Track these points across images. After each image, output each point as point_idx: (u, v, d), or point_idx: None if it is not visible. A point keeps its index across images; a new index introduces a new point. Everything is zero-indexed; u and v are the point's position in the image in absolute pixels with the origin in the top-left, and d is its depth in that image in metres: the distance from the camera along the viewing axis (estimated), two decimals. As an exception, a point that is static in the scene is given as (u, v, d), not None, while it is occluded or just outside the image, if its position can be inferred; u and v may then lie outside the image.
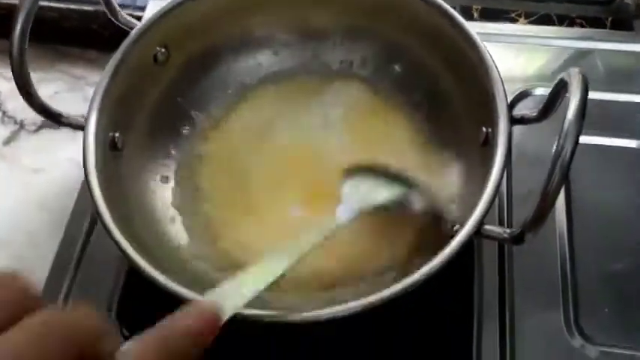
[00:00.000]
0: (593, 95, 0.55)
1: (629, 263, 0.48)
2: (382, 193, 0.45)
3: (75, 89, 0.70)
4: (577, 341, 0.45)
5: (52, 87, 0.70)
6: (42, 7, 0.72)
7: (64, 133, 0.64)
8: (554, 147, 0.34)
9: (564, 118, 0.34)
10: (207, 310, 0.28)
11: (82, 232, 0.51)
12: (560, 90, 0.37)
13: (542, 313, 0.47)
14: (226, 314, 0.29)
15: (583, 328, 0.45)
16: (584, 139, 0.53)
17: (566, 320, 0.46)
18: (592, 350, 0.44)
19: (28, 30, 0.40)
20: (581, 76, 0.34)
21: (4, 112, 0.68)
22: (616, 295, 0.47)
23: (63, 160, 0.63)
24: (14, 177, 0.63)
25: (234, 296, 0.32)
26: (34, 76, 0.70)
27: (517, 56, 0.62)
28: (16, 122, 0.67)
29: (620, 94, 0.58)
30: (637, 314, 0.46)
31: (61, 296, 0.48)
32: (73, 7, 0.74)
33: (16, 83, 0.41)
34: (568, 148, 0.33)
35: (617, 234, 0.50)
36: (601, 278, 0.48)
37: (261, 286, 0.34)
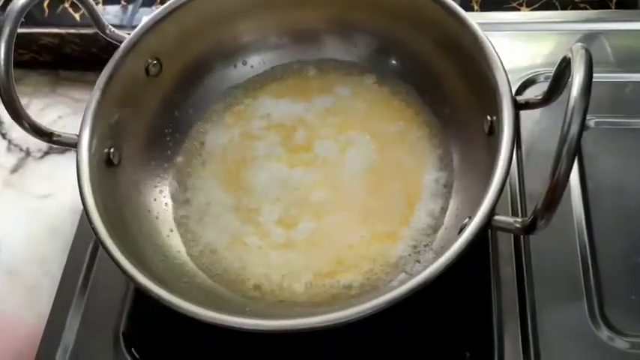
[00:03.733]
0: (604, 77, 0.56)
1: (654, 247, 0.46)
2: None
3: (77, 113, 0.70)
4: (604, 333, 0.43)
5: (54, 112, 0.70)
6: (42, 34, 0.74)
7: (70, 157, 0.64)
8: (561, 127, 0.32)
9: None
10: None
11: (86, 253, 0.51)
12: (564, 69, 0.36)
13: (565, 305, 0.45)
14: None
15: (609, 319, 0.43)
16: (597, 121, 0.52)
17: (591, 311, 0.44)
18: (621, 342, 0.42)
19: (12, 48, 0.40)
20: (584, 50, 0.33)
21: (9, 141, 0.68)
22: (641, 282, 0.45)
23: (70, 185, 0.61)
24: (23, 204, 0.63)
25: None
26: (38, 103, 0.71)
27: (523, 44, 0.61)
28: (21, 150, 0.67)
29: (632, 74, 0.56)
30: (666, 300, 0.44)
31: (68, 320, 0.48)
32: (72, 31, 0.74)
33: (4, 103, 0.40)
34: (575, 127, 0.31)
35: (637, 217, 0.48)
36: (624, 264, 0.46)
37: None
